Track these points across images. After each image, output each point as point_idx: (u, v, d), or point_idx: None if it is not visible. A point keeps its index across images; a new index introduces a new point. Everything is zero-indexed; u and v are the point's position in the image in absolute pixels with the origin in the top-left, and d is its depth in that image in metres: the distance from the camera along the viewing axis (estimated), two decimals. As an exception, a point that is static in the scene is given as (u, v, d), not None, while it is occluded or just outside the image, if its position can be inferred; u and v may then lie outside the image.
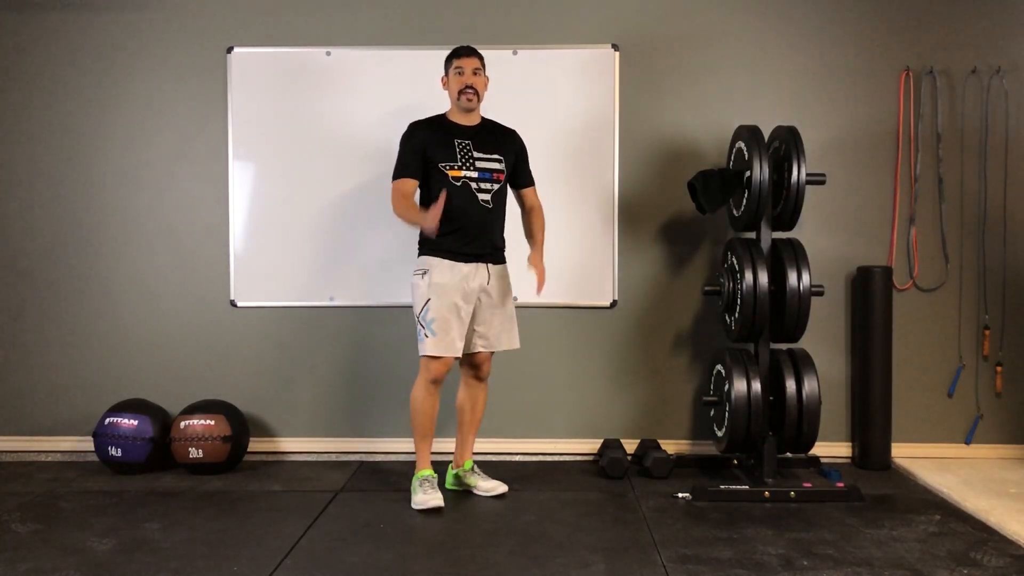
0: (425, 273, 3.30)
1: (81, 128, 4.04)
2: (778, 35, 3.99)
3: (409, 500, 3.33)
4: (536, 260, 3.42)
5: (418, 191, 3.38)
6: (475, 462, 3.55)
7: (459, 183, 3.29)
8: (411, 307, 3.38)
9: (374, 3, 4.01)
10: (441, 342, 3.25)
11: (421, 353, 3.30)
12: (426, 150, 3.31)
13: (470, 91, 3.32)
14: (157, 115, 4.04)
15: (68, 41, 4.03)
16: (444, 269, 3.29)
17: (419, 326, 3.28)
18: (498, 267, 3.42)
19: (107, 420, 3.77)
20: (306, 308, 4.04)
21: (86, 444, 3.97)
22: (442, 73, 3.42)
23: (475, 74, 3.34)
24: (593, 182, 3.99)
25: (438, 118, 3.42)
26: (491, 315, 3.38)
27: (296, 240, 4.02)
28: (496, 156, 3.39)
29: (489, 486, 3.46)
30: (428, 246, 3.34)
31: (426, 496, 3.25)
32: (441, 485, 3.41)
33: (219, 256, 4.04)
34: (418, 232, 3.37)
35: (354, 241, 4.00)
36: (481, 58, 3.38)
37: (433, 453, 3.45)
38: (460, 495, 3.46)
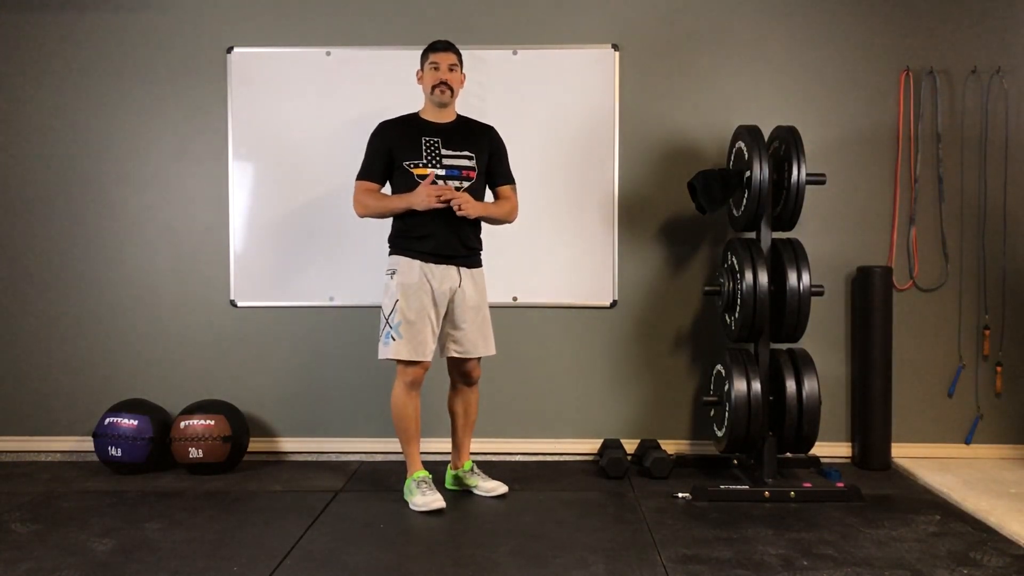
0: (394, 273, 3.25)
1: (81, 128, 4.04)
2: (778, 35, 3.99)
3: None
4: (470, 199, 3.23)
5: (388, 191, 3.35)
6: (475, 462, 3.55)
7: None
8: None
9: (374, 3, 4.01)
10: (408, 344, 3.19)
11: (382, 356, 3.24)
12: (392, 150, 3.27)
13: (444, 86, 3.27)
14: (157, 115, 4.04)
15: (68, 41, 4.03)
16: (413, 269, 3.23)
17: (386, 327, 3.22)
18: (471, 270, 3.34)
19: (107, 420, 3.77)
20: (306, 308, 4.04)
21: (86, 444, 3.97)
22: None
23: (451, 70, 3.28)
24: (593, 182, 3.99)
25: (410, 116, 3.36)
26: (464, 319, 3.31)
27: (296, 240, 4.02)
28: (466, 153, 3.32)
29: (490, 486, 3.45)
30: (397, 245, 3.29)
31: (426, 498, 3.22)
32: (440, 485, 3.41)
33: (219, 256, 4.04)
34: (388, 232, 3.32)
35: (354, 241, 4.00)
36: (458, 54, 3.33)
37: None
38: (460, 495, 3.46)
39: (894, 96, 3.99)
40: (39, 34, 4.04)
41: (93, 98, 4.04)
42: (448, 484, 3.53)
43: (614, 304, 4.02)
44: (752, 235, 3.68)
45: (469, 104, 3.81)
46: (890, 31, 3.97)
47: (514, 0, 4.00)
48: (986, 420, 4.00)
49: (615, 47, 3.98)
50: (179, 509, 3.27)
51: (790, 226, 3.59)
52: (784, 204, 3.54)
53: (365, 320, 4.02)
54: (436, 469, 3.62)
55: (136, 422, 3.75)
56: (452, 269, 3.28)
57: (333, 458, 4.05)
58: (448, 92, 3.29)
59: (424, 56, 3.33)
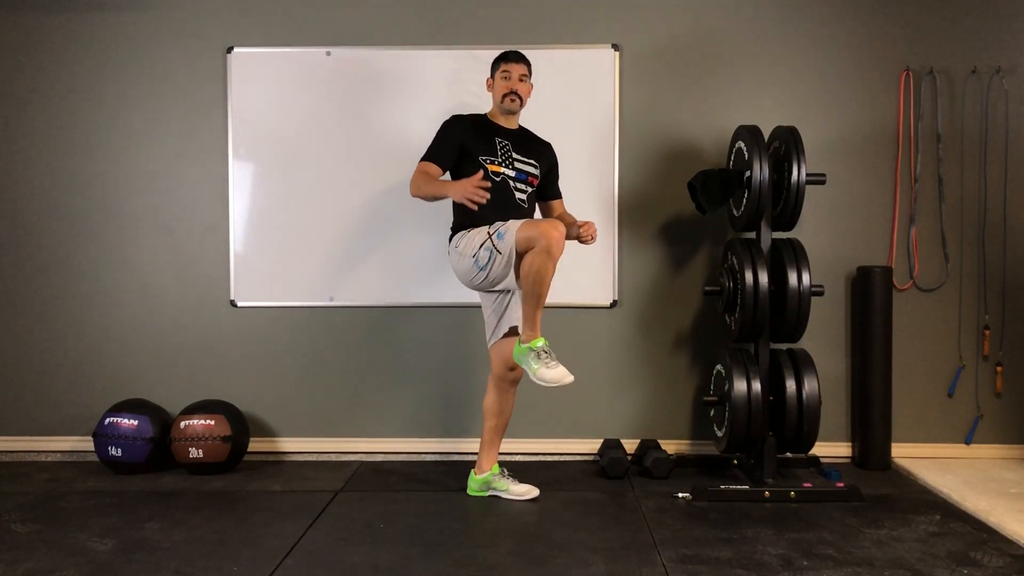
0: (467, 232, 3.21)
1: (81, 128, 4.04)
2: (778, 35, 3.99)
3: (408, 499, 3.33)
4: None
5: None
6: (474, 463, 3.53)
7: (499, 178, 3.30)
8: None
9: (374, 3, 4.01)
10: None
11: (505, 237, 3.07)
12: (465, 143, 3.31)
13: (514, 95, 3.37)
14: (157, 115, 4.04)
15: (68, 41, 4.03)
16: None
17: (491, 245, 3.09)
18: None
19: (107, 420, 3.77)
20: (306, 308, 4.04)
21: (86, 444, 3.97)
22: (481, 75, 3.44)
23: (521, 80, 3.39)
24: (593, 182, 3.99)
25: (480, 116, 3.45)
26: (517, 310, 3.29)
27: (296, 240, 4.01)
28: (532, 161, 3.43)
29: (522, 490, 3.40)
30: (472, 226, 3.25)
31: (552, 372, 2.97)
32: (459, 491, 3.38)
33: (219, 256, 4.04)
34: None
35: (354, 241, 3.99)
36: (529, 65, 3.42)
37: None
38: (458, 495, 3.45)
39: (894, 96, 3.99)
40: (39, 34, 4.03)
41: (93, 98, 4.04)
42: (472, 490, 3.46)
43: (614, 304, 4.02)
44: (752, 235, 3.68)
45: (469, 104, 3.81)
46: (890, 31, 3.97)
47: (514, 0, 4.00)
48: (986, 420, 4.00)
49: (615, 47, 3.98)
50: (179, 509, 3.27)
51: (790, 226, 3.59)
52: (784, 204, 3.54)
53: (365, 320, 4.02)
54: (458, 470, 3.63)
55: (136, 422, 3.75)
56: None
57: (333, 458, 4.05)
58: (518, 101, 3.39)
59: (495, 65, 3.42)
